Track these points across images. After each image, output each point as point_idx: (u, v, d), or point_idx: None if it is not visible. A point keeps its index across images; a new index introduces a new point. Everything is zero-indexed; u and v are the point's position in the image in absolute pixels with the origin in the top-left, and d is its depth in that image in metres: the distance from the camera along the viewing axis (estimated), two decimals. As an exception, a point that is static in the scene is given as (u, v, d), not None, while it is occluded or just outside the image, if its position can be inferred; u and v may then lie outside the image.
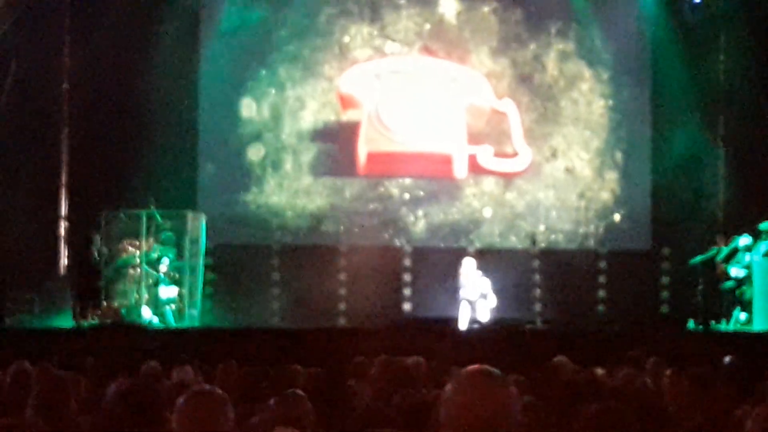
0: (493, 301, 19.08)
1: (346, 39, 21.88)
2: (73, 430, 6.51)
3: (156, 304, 18.88)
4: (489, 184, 21.89)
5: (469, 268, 19.34)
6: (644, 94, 22.10)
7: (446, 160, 21.71)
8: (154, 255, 19.11)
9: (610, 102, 22.09)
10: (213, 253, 20.66)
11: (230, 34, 21.24)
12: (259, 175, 21.62)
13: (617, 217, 21.97)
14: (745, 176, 21.35)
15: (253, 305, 20.79)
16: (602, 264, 21.72)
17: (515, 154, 21.82)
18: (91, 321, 18.17)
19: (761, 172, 20.88)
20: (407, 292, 21.36)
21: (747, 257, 18.90)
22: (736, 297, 19.00)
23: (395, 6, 22.01)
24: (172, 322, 18.87)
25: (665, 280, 21.61)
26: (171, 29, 20.85)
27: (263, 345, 15.04)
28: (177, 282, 19.28)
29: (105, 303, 18.61)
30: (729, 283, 19.17)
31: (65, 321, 18.40)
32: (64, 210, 20.86)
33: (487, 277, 19.28)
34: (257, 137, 21.62)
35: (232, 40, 21.32)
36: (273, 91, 21.68)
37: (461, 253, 20.66)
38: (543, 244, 21.70)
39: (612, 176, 22.02)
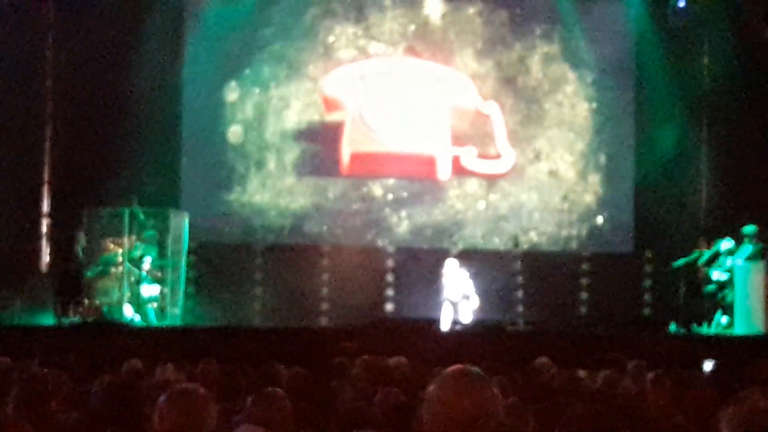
0: (475, 302, 19.10)
1: (331, 39, 21.87)
2: (54, 428, 6.49)
3: (138, 303, 18.83)
4: (472, 185, 21.91)
5: (451, 269, 19.35)
6: (628, 96, 22.15)
7: (430, 162, 21.72)
8: (137, 253, 19.06)
9: (594, 105, 22.13)
10: (195, 251, 20.62)
11: (215, 32, 21.17)
12: (243, 174, 21.59)
13: (600, 219, 22.01)
14: (728, 180, 21.42)
15: (235, 304, 20.75)
16: (585, 266, 21.77)
17: (499, 156, 21.84)
18: (73, 319, 18.13)
19: (744, 175, 20.95)
20: (390, 292, 21.36)
21: (729, 261, 18.96)
22: (718, 300, 19.06)
23: (380, 7, 22.01)
24: (154, 321, 18.84)
25: (647, 282, 21.67)
26: (155, 27, 20.80)
27: (245, 344, 15.03)
28: (159, 280, 19.24)
29: (87, 301, 18.56)
30: (711, 287, 19.23)
31: (47, 318, 18.36)
32: (46, 207, 20.80)
33: (470, 278, 19.30)
34: (241, 136, 21.57)
35: (216, 38, 21.25)
36: (257, 90, 21.66)
37: (444, 254, 20.68)
38: (526, 246, 21.73)
39: (595, 179, 22.07)
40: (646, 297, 21.63)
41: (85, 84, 20.22)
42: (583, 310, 21.56)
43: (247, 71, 21.59)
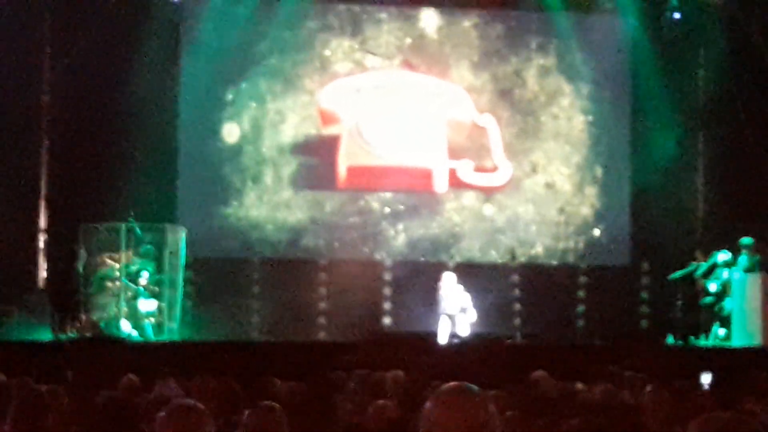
0: (472, 315, 19.11)
1: (327, 53, 21.89)
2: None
3: (135, 318, 18.81)
4: (469, 198, 21.91)
5: (449, 282, 19.36)
6: (624, 109, 22.19)
7: (426, 175, 21.73)
8: (134, 268, 19.06)
9: (590, 117, 22.17)
10: (193, 266, 20.60)
11: (211, 47, 21.15)
12: (239, 188, 21.58)
13: (597, 232, 22.02)
14: (725, 191, 21.46)
15: (232, 319, 20.73)
16: (582, 279, 21.78)
17: (495, 169, 21.86)
18: (70, 334, 18.09)
19: (741, 187, 20.97)
20: (387, 306, 21.36)
21: (726, 273, 18.97)
22: (715, 312, 19.08)
23: (376, 20, 22.04)
24: (152, 336, 18.81)
25: (645, 295, 21.69)
26: (151, 42, 20.78)
27: (243, 358, 14.99)
28: (156, 295, 19.21)
29: (84, 316, 18.54)
30: (708, 299, 19.24)
31: (44, 334, 18.31)
32: (43, 223, 20.78)
33: (467, 291, 19.31)
34: (238, 150, 21.58)
35: (212, 53, 21.22)
36: (254, 104, 21.66)
37: (441, 267, 20.69)
38: (523, 259, 21.74)
39: (592, 191, 22.09)
40: (644, 309, 21.65)
41: (81, 99, 20.22)
42: (581, 322, 21.57)
43: (244, 85, 21.60)
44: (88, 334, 18.03)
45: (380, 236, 21.79)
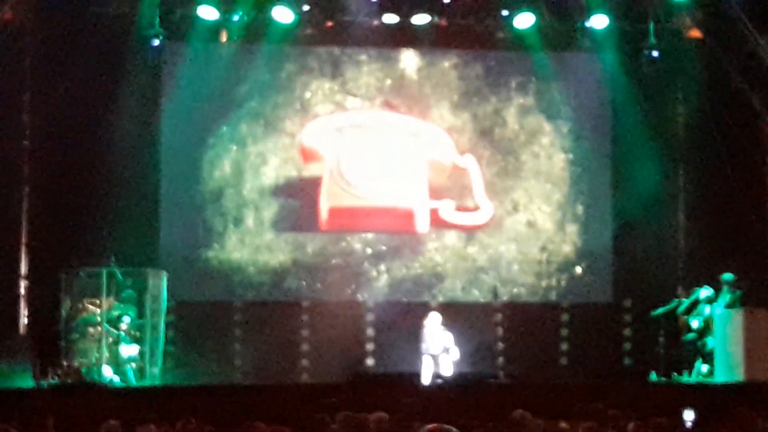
0: (455, 355, 19.08)
1: (308, 95, 21.94)
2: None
3: (117, 363, 18.71)
4: (451, 238, 21.93)
5: (432, 322, 19.35)
6: (604, 146, 22.26)
7: (408, 215, 21.75)
8: (115, 313, 18.97)
9: (571, 155, 22.24)
10: (174, 310, 20.52)
11: (191, 91, 21.17)
12: (221, 231, 21.55)
13: (579, 269, 22.05)
14: (706, 227, 21.51)
15: (215, 362, 20.66)
16: (564, 317, 21.79)
17: (477, 208, 21.89)
18: (52, 380, 17.98)
19: (721, 223, 21.03)
20: (370, 346, 21.32)
21: (708, 309, 19.00)
22: (698, 348, 19.08)
23: (356, 62, 22.12)
24: (134, 381, 18.70)
25: (627, 332, 21.69)
26: (132, 87, 20.74)
27: (226, 402, 14.94)
28: (138, 340, 19.12)
29: (65, 362, 18.43)
30: (690, 335, 19.25)
31: (25, 381, 18.20)
32: (24, 269, 20.69)
33: (450, 331, 19.30)
34: (219, 193, 21.57)
35: (193, 97, 21.24)
36: (234, 147, 21.67)
37: (424, 307, 20.69)
38: (505, 298, 21.73)
39: (573, 229, 22.13)
40: (626, 346, 21.65)
41: (62, 144, 20.16)
42: (564, 360, 21.56)
43: (224, 128, 21.60)
44: (69, 380, 17.92)
45: (362, 277, 21.78)
